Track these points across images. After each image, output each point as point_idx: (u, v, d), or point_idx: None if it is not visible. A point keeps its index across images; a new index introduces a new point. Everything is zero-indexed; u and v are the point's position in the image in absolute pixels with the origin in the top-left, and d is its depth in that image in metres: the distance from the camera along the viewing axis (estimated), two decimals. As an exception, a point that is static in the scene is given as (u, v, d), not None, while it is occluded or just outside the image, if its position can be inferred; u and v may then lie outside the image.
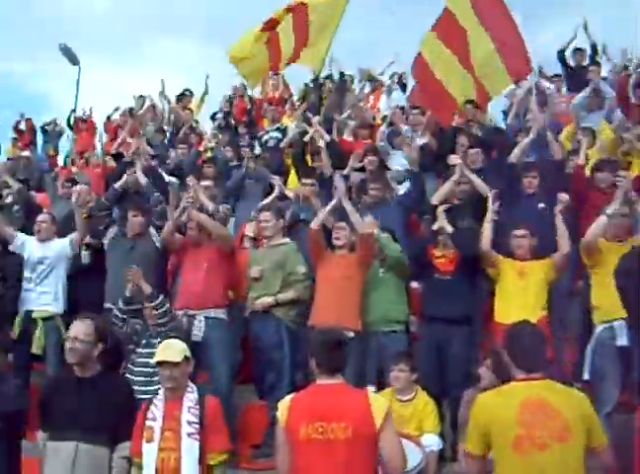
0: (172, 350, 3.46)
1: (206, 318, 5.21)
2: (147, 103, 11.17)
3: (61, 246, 5.83)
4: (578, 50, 9.67)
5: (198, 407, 3.39)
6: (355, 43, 17.10)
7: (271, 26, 7.75)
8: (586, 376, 4.62)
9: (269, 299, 5.30)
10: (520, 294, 4.91)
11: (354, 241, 5.33)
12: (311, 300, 5.30)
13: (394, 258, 5.30)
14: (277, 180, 7.00)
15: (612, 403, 4.40)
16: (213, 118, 11.02)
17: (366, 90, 10.91)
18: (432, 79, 7.14)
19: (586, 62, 9.53)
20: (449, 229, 5.33)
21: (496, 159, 6.93)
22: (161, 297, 4.90)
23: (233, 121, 10.63)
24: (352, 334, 4.88)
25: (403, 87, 10.57)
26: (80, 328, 3.56)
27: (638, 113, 7.50)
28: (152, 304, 4.86)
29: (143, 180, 6.50)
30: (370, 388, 4.30)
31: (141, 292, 4.91)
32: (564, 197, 5.11)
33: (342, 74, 11.20)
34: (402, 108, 9.07)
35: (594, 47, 9.53)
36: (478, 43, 6.85)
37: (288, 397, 3.09)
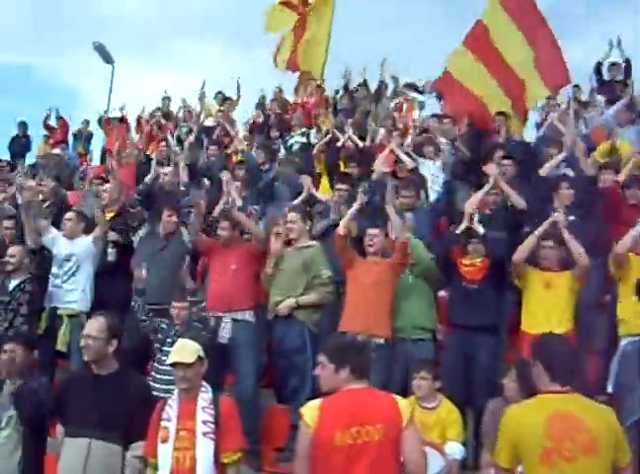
0: (185, 350, 3.50)
1: (234, 320, 5.34)
2: (179, 104, 11.45)
3: (87, 243, 5.92)
4: (614, 65, 9.74)
5: (212, 406, 3.44)
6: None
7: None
8: (610, 389, 4.74)
9: (291, 301, 5.39)
10: (546, 305, 5.04)
11: (385, 246, 5.45)
12: (339, 306, 5.39)
13: (426, 265, 5.42)
14: (307, 180, 7.07)
15: (636, 416, 4.50)
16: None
17: (399, 98, 11.05)
18: (461, 89, 7.37)
19: (620, 77, 9.59)
20: (481, 230, 5.47)
21: (522, 172, 7.02)
22: (200, 295, 5.06)
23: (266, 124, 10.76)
24: (381, 341, 5.03)
25: (439, 96, 10.69)
26: (93, 325, 3.69)
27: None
28: (181, 304, 5.00)
29: (185, 178, 6.68)
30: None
31: (179, 290, 5.07)
32: (560, 215, 5.22)
33: (381, 82, 11.23)
34: (438, 115, 9.14)
35: (628, 62, 9.59)
36: (516, 54, 7.03)
37: (317, 401, 3.07)
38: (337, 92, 11.36)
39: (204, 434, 3.38)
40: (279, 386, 5.63)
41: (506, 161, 6.62)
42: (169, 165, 7.71)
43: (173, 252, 5.94)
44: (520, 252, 5.17)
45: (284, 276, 5.58)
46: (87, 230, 6.06)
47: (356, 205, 5.57)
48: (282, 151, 8.90)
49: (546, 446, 2.83)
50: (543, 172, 6.37)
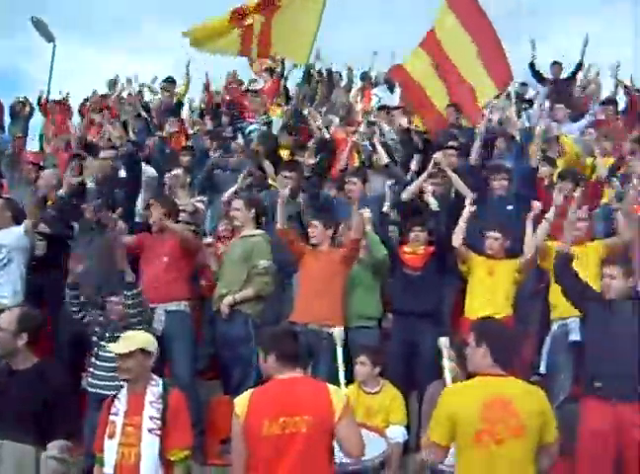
0: (127, 341, 3.54)
1: (167, 311, 5.32)
2: (122, 87, 11.28)
3: (18, 234, 5.60)
4: (556, 64, 10.19)
5: (160, 401, 3.44)
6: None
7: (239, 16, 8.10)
8: (542, 370, 5.11)
9: (228, 299, 5.41)
10: (488, 292, 5.36)
11: (329, 235, 5.62)
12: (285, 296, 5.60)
13: (380, 259, 5.62)
14: (268, 165, 7.06)
15: (565, 394, 4.90)
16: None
17: (356, 88, 11.21)
18: (415, 87, 7.76)
19: (564, 75, 10.07)
20: (434, 203, 5.77)
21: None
22: (140, 287, 5.00)
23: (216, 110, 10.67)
24: (331, 330, 5.12)
25: (391, 87, 10.86)
26: (2, 318, 3.59)
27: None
28: (116, 298, 5.00)
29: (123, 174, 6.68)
30: (341, 381, 4.58)
31: (117, 281, 5.06)
32: (536, 204, 5.51)
33: (329, 71, 11.36)
34: (386, 107, 9.41)
35: (579, 64, 10.04)
36: (464, 56, 7.47)
37: (248, 392, 3.17)
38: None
39: (150, 430, 3.39)
40: (224, 378, 5.70)
41: (450, 151, 6.89)
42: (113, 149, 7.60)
43: (107, 244, 5.66)
44: (456, 238, 5.47)
45: (228, 267, 5.64)
46: (17, 220, 5.72)
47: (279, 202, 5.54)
48: (240, 139, 8.91)
49: (480, 428, 3.01)
50: (471, 161, 6.68)
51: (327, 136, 7.96)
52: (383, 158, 7.18)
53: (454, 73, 7.96)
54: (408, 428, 4.93)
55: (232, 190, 6.64)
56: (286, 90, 10.77)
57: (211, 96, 11.13)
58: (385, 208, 6.35)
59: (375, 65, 11.49)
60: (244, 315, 5.44)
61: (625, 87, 9.54)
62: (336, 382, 4.38)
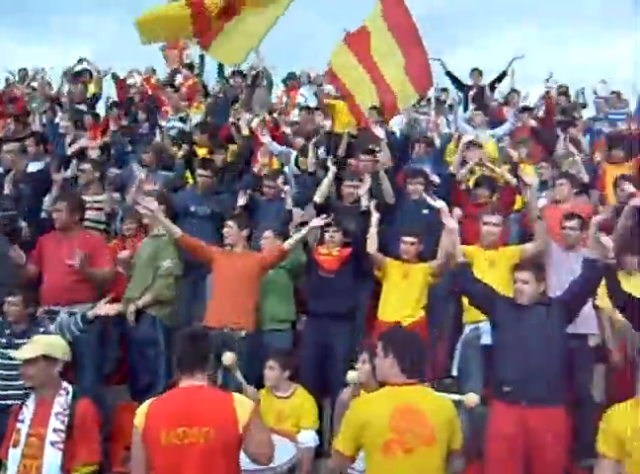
0: (31, 346, 3.46)
1: (70, 314, 5.04)
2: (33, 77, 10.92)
3: None
4: (476, 70, 10.44)
5: (67, 412, 3.40)
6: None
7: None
8: (454, 372, 5.17)
9: (130, 308, 5.33)
10: (403, 295, 5.41)
11: (244, 237, 5.55)
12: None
13: (298, 262, 5.63)
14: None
15: (475, 397, 4.91)
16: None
17: (282, 87, 11.24)
18: (343, 88, 7.88)
19: (482, 82, 10.32)
20: (365, 203, 5.79)
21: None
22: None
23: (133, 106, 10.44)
24: (243, 333, 5.14)
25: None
26: None
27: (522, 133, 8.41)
28: (12, 299, 4.75)
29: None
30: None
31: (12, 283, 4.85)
32: (457, 211, 5.56)
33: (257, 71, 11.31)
34: (309, 108, 9.45)
35: (504, 73, 10.31)
36: (389, 61, 7.61)
37: (147, 402, 3.11)
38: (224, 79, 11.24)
39: (53, 443, 3.32)
40: (132, 382, 5.58)
41: (364, 156, 6.91)
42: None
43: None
44: (370, 244, 5.50)
45: (137, 268, 5.54)
46: None
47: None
48: (158, 136, 8.73)
49: (389, 438, 3.03)
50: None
51: (245, 133, 7.89)
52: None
53: (378, 75, 8.09)
54: (321, 432, 4.92)
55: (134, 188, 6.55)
56: (205, 87, 10.63)
57: (124, 91, 10.83)
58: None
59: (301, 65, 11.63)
60: (150, 317, 5.37)
61: (547, 93, 9.87)
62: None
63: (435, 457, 3.09)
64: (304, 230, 5.51)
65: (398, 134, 8.55)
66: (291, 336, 5.59)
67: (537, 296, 4.39)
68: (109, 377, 5.83)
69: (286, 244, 5.45)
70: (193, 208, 6.32)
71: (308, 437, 4.75)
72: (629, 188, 5.98)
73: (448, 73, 10.43)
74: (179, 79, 10.94)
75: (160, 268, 5.38)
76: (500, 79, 10.48)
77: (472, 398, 3.82)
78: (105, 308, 4.54)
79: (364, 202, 5.97)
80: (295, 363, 5.02)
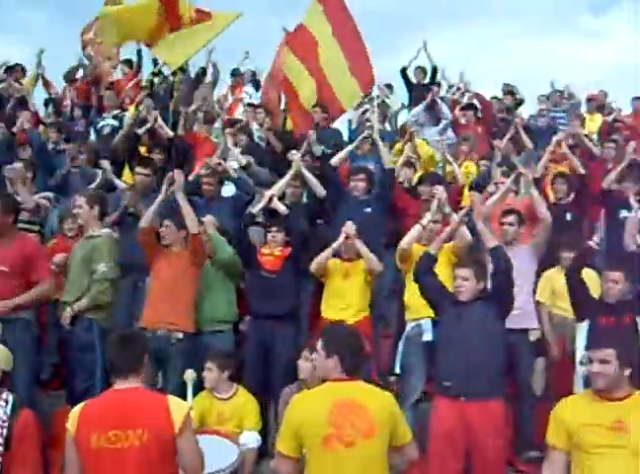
0: None
1: (3, 320, 4.82)
2: None
3: None
4: (419, 68, 10.52)
5: (6, 424, 3.26)
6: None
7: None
8: (397, 370, 5.20)
9: (66, 313, 5.17)
10: (345, 294, 5.41)
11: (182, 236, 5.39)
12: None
13: (223, 259, 5.54)
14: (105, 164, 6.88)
15: (418, 394, 5.02)
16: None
17: (227, 84, 11.15)
18: (288, 87, 7.90)
19: (426, 81, 10.39)
20: (283, 208, 5.74)
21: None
22: None
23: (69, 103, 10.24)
24: (180, 335, 5.06)
25: (257, 85, 10.90)
26: None
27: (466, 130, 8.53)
28: None
29: None
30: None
31: None
32: (349, 226, 5.54)
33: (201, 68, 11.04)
34: (253, 105, 9.41)
35: (433, 69, 10.39)
36: (331, 59, 7.71)
37: (79, 405, 3.07)
38: (154, 74, 11.09)
39: None
40: (69, 387, 5.43)
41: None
42: None
43: None
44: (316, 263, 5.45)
45: (72, 271, 5.37)
46: None
47: (160, 197, 5.38)
48: (93, 135, 8.57)
49: (328, 432, 3.00)
50: (334, 162, 6.72)
51: (170, 135, 7.76)
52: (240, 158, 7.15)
53: (322, 79, 8.12)
54: (264, 433, 4.87)
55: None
56: (152, 84, 10.49)
57: (50, 87, 10.56)
58: (254, 210, 6.24)
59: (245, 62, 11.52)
60: (87, 321, 5.20)
61: (477, 94, 10.03)
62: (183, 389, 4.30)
63: (376, 450, 3.07)
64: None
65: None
66: (232, 337, 5.52)
67: (477, 293, 4.44)
68: (46, 383, 5.71)
69: (192, 230, 5.23)
70: (131, 209, 6.14)
71: (251, 438, 4.71)
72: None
73: (404, 70, 10.42)
74: (118, 75, 10.75)
75: (95, 272, 5.22)
76: (434, 75, 10.49)
77: None
78: None
79: (281, 209, 5.84)
80: (235, 364, 4.96)
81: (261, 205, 5.88)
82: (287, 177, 6.39)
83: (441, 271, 4.93)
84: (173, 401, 3.06)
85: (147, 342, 3.44)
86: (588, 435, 3.23)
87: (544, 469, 3.47)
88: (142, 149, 7.62)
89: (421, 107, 8.24)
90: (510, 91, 10.80)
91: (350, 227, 5.43)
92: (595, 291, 4.92)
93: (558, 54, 24.87)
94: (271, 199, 5.83)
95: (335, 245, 5.46)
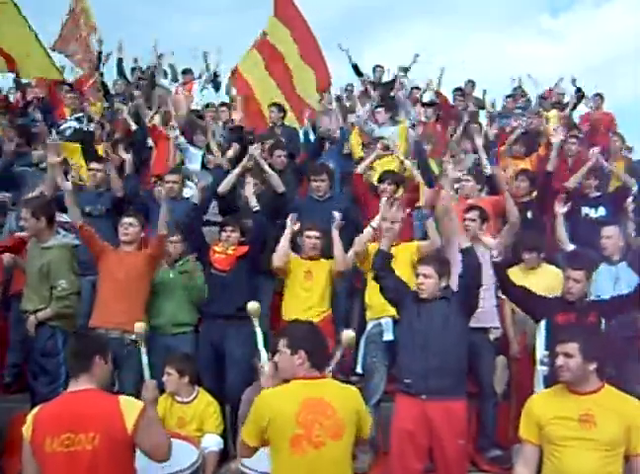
0: None
1: None
2: None
3: None
4: (378, 67, 10.61)
5: None
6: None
7: None
8: (359, 370, 5.19)
9: (30, 320, 5.13)
10: (306, 293, 5.39)
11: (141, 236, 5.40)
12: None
13: (197, 296, 5.52)
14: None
15: (380, 393, 5.03)
16: None
17: (179, 82, 11.05)
18: (250, 92, 7.97)
19: (386, 78, 10.48)
20: (254, 204, 5.80)
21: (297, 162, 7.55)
22: None
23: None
24: (133, 336, 4.97)
25: (216, 85, 10.87)
26: None
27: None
28: None
29: None
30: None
31: None
32: (336, 214, 5.56)
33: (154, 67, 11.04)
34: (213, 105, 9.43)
35: (405, 70, 10.45)
36: (297, 67, 8.23)
37: (34, 410, 3.07)
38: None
39: None
40: (32, 392, 5.31)
41: (278, 152, 6.92)
42: None
43: None
44: (277, 257, 5.42)
45: (30, 278, 5.26)
46: None
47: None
48: (54, 136, 8.44)
49: (296, 433, 3.02)
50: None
51: (134, 127, 7.84)
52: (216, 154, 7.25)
53: (287, 75, 8.36)
54: (225, 435, 4.87)
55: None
56: (104, 85, 10.37)
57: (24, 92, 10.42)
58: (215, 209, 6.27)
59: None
60: (50, 329, 5.14)
61: (437, 91, 10.10)
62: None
63: (343, 451, 3.11)
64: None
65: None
66: (193, 338, 5.46)
67: (439, 291, 4.45)
68: (8, 385, 5.75)
69: (159, 230, 5.29)
70: (87, 209, 6.11)
71: (212, 442, 4.72)
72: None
73: (354, 66, 10.45)
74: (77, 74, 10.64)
75: (56, 288, 5.13)
76: (405, 71, 10.57)
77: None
78: None
79: (253, 203, 5.92)
80: (192, 367, 4.92)
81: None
82: (237, 170, 6.35)
83: (405, 270, 4.97)
84: (125, 402, 3.04)
85: (101, 342, 3.40)
86: (557, 428, 3.34)
87: (518, 464, 3.56)
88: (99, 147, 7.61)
89: (367, 107, 8.31)
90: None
91: (337, 216, 5.49)
92: (557, 290, 4.99)
93: (517, 52, 25.28)
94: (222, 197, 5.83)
95: (287, 231, 5.45)
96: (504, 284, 5.01)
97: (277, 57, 8.38)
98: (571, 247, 5.70)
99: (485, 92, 10.75)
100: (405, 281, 4.66)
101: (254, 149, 6.41)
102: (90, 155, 7.15)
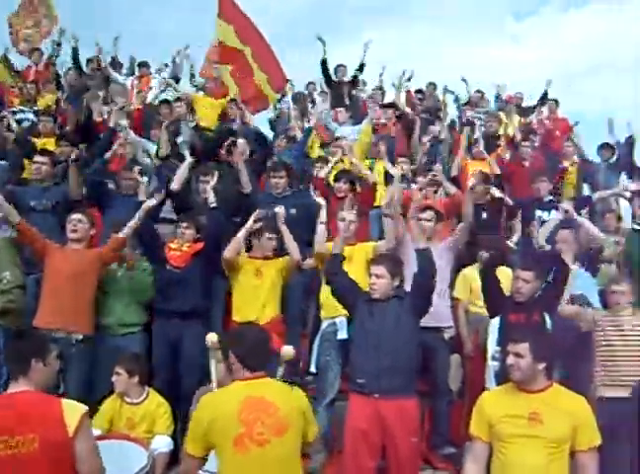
0: None
1: None
2: None
3: None
4: (340, 66, 10.55)
5: None
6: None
7: None
8: (313, 369, 5.17)
9: None
10: (255, 292, 5.32)
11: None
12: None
13: (145, 296, 5.41)
14: None
15: (334, 392, 5.02)
16: None
17: (134, 75, 10.94)
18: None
19: (346, 78, 10.44)
20: (212, 200, 5.74)
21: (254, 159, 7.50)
22: None
23: None
24: (80, 336, 4.89)
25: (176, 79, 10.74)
26: None
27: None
28: None
29: None
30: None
31: None
32: (277, 210, 5.55)
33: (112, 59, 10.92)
34: (168, 101, 9.23)
35: (361, 66, 10.45)
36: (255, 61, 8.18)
37: None
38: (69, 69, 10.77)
39: None
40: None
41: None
42: None
43: None
44: (229, 250, 5.35)
45: None
46: None
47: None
48: (14, 126, 8.23)
49: (239, 432, 2.99)
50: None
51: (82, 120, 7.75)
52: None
53: (249, 71, 8.38)
54: (175, 437, 4.76)
55: None
56: (57, 76, 10.17)
57: None
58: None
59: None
60: None
61: (407, 92, 10.15)
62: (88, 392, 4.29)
63: (289, 448, 3.09)
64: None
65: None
66: (142, 338, 5.34)
67: (392, 290, 4.44)
68: None
69: (122, 233, 5.23)
70: (32, 203, 5.94)
71: (162, 443, 4.63)
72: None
73: (323, 61, 10.32)
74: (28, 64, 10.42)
75: (1, 281, 5.03)
76: (361, 69, 10.57)
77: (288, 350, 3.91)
78: None
79: (211, 199, 5.85)
80: (142, 367, 4.81)
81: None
82: (186, 163, 6.30)
83: (361, 270, 4.96)
84: (66, 404, 2.95)
85: (39, 344, 3.22)
86: (507, 426, 3.40)
87: (467, 460, 3.60)
88: (49, 141, 7.43)
89: (327, 105, 8.33)
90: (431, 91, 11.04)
91: (280, 208, 5.48)
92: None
93: (482, 56, 25.61)
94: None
95: (247, 226, 5.41)
96: None
97: (238, 55, 8.39)
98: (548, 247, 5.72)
99: (446, 90, 10.80)
100: (357, 283, 4.63)
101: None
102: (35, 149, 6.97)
